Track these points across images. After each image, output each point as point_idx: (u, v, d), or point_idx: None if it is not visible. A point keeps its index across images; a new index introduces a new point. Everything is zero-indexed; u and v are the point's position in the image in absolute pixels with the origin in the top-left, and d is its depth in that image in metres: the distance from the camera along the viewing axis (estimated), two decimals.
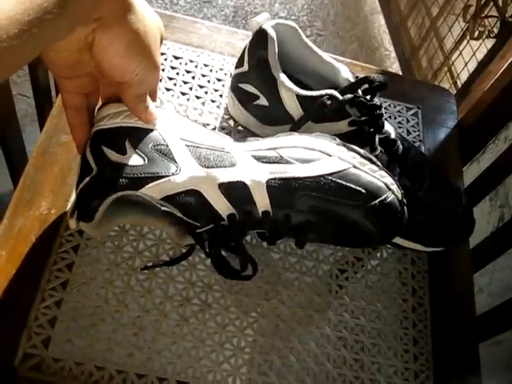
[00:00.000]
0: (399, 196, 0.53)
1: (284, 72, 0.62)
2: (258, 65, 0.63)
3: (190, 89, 0.74)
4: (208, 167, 0.51)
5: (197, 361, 0.56)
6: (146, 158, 0.50)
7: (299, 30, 0.64)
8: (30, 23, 0.32)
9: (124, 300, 0.57)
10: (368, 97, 0.61)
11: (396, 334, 0.62)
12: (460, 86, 1.61)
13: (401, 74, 1.97)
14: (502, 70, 0.79)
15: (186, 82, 0.74)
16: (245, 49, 0.65)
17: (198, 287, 0.59)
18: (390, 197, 0.52)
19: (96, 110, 0.53)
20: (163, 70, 0.74)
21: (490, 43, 1.46)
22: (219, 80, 0.76)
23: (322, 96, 0.60)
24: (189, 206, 0.51)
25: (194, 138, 0.53)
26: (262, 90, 0.64)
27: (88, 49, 0.43)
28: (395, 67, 2.07)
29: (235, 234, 0.53)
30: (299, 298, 0.61)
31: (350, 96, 0.60)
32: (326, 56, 0.65)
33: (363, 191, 0.51)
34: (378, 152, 0.62)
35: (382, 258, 0.66)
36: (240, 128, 0.71)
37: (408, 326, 0.63)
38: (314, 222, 0.53)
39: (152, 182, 0.50)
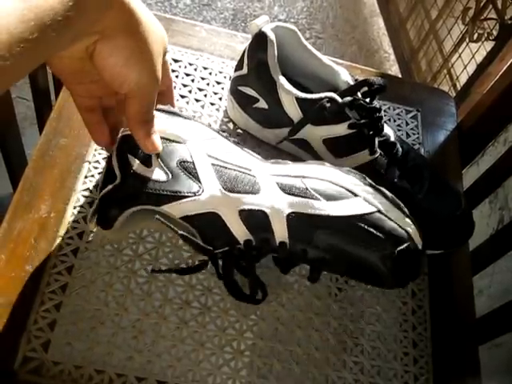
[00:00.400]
0: (419, 246, 0.52)
1: (283, 75, 0.63)
2: (258, 68, 0.63)
3: (190, 92, 0.74)
4: (231, 191, 0.51)
5: (196, 364, 0.55)
6: (170, 174, 0.50)
7: (298, 33, 0.64)
8: (34, 41, 0.32)
9: (124, 303, 0.57)
10: (367, 99, 0.61)
11: (395, 337, 0.62)
12: (459, 88, 1.61)
13: (400, 76, 1.97)
14: (501, 73, 0.79)
15: (185, 85, 0.74)
16: (244, 52, 0.65)
17: (198, 290, 0.59)
18: (411, 247, 0.52)
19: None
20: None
21: (489, 46, 1.46)
22: (218, 83, 0.76)
23: (321, 99, 0.61)
24: (206, 227, 0.51)
25: (221, 155, 0.53)
26: (261, 92, 0.64)
27: (89, 58, 0.43)
28: (394, 70, 2.08)
29: (249, 260, 0.53)
30: (299, 301, 0.61)
31: (349, 99, 0.60)
32: (326, 59, 0.65)
33: (384, 238, 0.51)
34: (377, 155, 0.63)
35: None
36: (239, 131, 0.71)
37: (407, 328, 0.62)
38: (329, 259, 0.53)
39: (174, 201, 0.50)
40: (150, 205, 0.50)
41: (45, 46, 0.34)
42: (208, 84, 0.75)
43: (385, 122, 0.65)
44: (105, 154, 0.65)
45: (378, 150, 0.63)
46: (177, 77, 0.75)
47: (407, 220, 0.52)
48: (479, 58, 1.51)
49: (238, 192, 0.51)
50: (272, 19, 0.61)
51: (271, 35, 0.61)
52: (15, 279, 0.55)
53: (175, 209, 0.50)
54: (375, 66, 2.05)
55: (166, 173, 0.50)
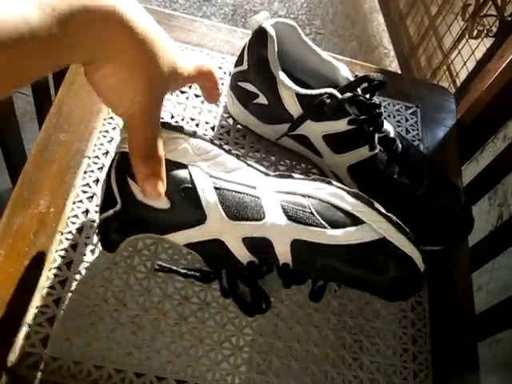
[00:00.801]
0: (422, 269, 0.53)
1: (283, 71, 0.62)
2: (258, 63, 0.63)
3: (189, 87, 0.74)
4: (235, 219, 0.50)
5: (196, 360, 0.55)
6: (171, 203, 0.49)
7: (298, 29, 0.64)
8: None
9: (123, 299, 0.57)
10: (367, 95, 0.61)
11: (395, 333, 0.62)
12: (459, 84, 1.61)
13: (400, 72, 1.97)
14: (500, 69, 0.79)
15: None
16: (244, 47, 0.65)
17: (197, 286, 0.59)
18: (414, 271, 0.52)
19: (121, 127, 0.51)
20: None
21: (488, 42, 1.46)
22: (219, 78, 0.76)
23: (321, 95, 0.60)
24: (210, 252, 0.52)
25: (224, 174, 0.52)
26: (261, 88, 0.64)
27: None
28: (394, 66, 2.07)
29: (253, 276, 0.54)
30: (298, 297, 0.61)
31: (349, 95, 0.60)
32: (325, 55, 0.65)
33: (389, 263, 0.51)
34: (377, 151, 0.62)
35: None
36: (239, 126, 0.71)
37: (407, 325, 0.62)
38: (332, 279, 0.55)
39: (178, 231, 0.50)
40: (153, 233, 0.51)
41: (21, 62, 0.34)
42: None
43: (384, 118, 0.65)
44: (104, 149, 0.64)
45: (378, 146, 0.63)
46: None
47: (411, 245, 0.52)
48: (479, 54, 1.51)
49: (242, 219, 0.50)
50: (272, 15, 0.61)
51: (271, 31, 0.60)
52: (14, 274, 0.55)
53: (179, 237, 0.51)
54: (375, 62, 2.04)
55: (167, 200, 0.49)
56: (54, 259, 0.57)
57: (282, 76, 0.62)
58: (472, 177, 0.83)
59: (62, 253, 0.58)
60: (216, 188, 0.51)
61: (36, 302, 0.54)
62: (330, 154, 0.64)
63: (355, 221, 0.51)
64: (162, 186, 0.46)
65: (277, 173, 0.55)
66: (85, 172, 0.63)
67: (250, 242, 0.51)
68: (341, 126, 0.62)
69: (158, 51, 0.42)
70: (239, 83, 0.67)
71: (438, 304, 0.65)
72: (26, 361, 0.52)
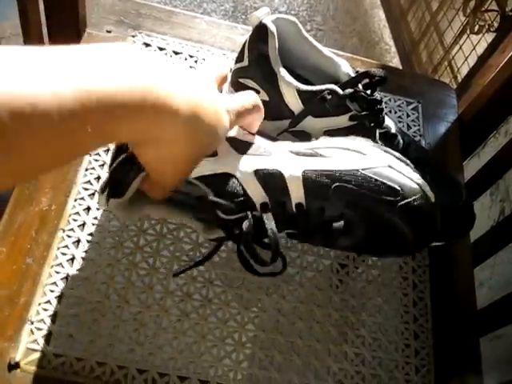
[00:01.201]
0: (432, 199, 0.53)
1: (284, 67, 0.62)
2: (258, 60, 0.63)
3: None
4: (245, 154, 0.51)
5: (198, 356, 0.56)
6: None
7: (299, 25, 0.64)
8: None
9: (125, 295, 0.57)
10: (368, 91, 0.61)
11: (397, 329, 0.62)
12: (460, 80, 1.60)
13: (401, 68, 1.97)
14: (502, 64, 0.79)
15: None
16: (245, 43, 0.65)
17: (199, 282, 0.59)
18: (424, 197, 0.52)
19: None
20: None
21: (490, 37, 1.46)
22: None
23: (322, 91, 0.60)
24: (222, 188, 0.50)
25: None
26: (262, 84, 0.64)
27: None
28: (395, 62, 2.07)
29: (267, 224, 0.52)
30: (300, 292, 0.61)
31: (350, 91, 0.60)
32: (326, 50, 0.65)
33: (398, 188, 0.51)
34: (377, 145, 0.62)
35: None
36: None
37: (409, 320, 0.63)
38: (347, 219, 0.53)
39: None
40: None
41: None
42: None
43: (385, 113, 0.65)
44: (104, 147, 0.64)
45: (379, 142, 0.63)
46: None
47: (416, 174, 0.53)
48: (480, 49, 1.51)
49: (252, 154, 0.51)
50: (272, 11, 0.61)
51: (272, 27, 0.60)
52: (16, 272, 0.55)
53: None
54: (376, 58, 2.04)
55: None
56: (55, 256, 0.57)
57: (283, 72, 0.62)
58: (474, 172, 0.83)
59: (64, 250, 0.58)
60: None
61: (38, 298, 0.55)
62: None
63: (358, 154, 0.53)
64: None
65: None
66: (86, 169, 0.63)
67: (264, 177, 0.50)
68: (342, 122, 0.62)
69: (206, 119, 0.42)
70: (240, 79, 0.66)
71: (440, 299, 0.65)
72: (29, 357, 0.52)
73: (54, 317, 0.54)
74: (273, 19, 0.61)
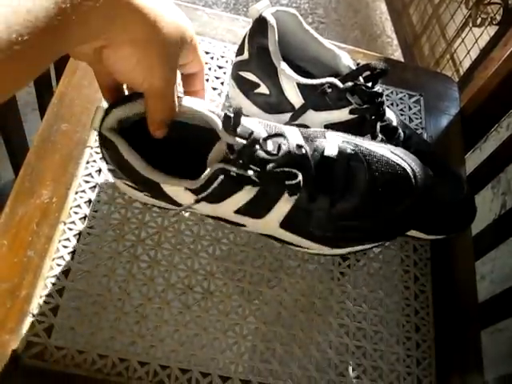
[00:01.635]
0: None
1: (285, 59, 0.62)
2: (258, 53, 0.62)
3: None
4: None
5: (199, 348, 0.56)
6: None
7: (299, 17, 0.64)
8: (24, 44, 0.32)
9: (126, 288, 0.57)
10: (369, 84, 0.61)
11: (398, 322, 0.62)
12: (462, 73, 1.60)
13: (403, 61, 1.96)
14: (504, 57, 0.78)
15: None
16: (245, 36, 0.64)
17: (201, 275, 0.59)
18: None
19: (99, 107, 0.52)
20: None
21: (492, 30, 1.45)
22: (220, 67, 0.76)
23: (322, 84, 0.60)
24: None
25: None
26: (262, 78, 0.64)
27: (98, 57, 0.44)
28: (397, 55, 2.07)
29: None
30: (301, 285, 0.61)
31: (350, 84, 0.60)
32: (327, 43, 0.65)
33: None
34: (379, 140, 0.62)
35: (383, 245, 0.66)
36: None
37: (410, 313, 0.63)
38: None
39: None
40: None
41: (38, 51, 0.34)
42: (210, 69, 0.75)
43: (387, 106, 0.64)
44: None
45: (380, 136, 0.62)
46: None
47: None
48: (482, 42, 1.50)
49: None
50: (274, 4, 0.61)
51: (272, 20, 0.60)
52: (17, 264, 0.55)
53: None
54: (378, 50, 2.03)
55: None
56: (57, 249, 0.57)
57: (283, 66, 0.61)
58: (475, 165, 0.83)
59: (65, 243, 0.58)
60: None
61: (40, 291, 0.55)
62: None
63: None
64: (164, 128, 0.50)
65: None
66: (87, 162, 0.63)
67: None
68: (342, 115, 0.62)
69: (168, 24, 0.44)
70: (240, 72, 0.66)
71: (442, 292, 0.65)
72: (31, 350, 0.52)
73: (55, 310, 0.54)
74: (273, 12, 0.61)
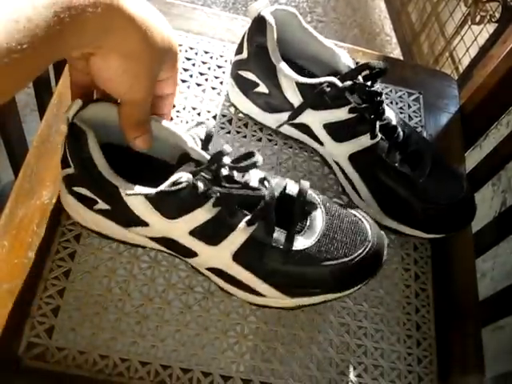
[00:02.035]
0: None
1: (284, 58, 0.62)
2: (257, 52, 0.62)
3: (191, 76, 0.73)
4: None
5: (200, 348, 0.56)
6: None
7: (299, 16, 0.64)
8: (22, 52, 0.32)
9: (127, 288, 0.57)
10: (368, 83, 0.61)
11: (399, 320, 0.62)
12: (462, 71, 1.60)
13: (402, 59, 1.96)
14: (503, 55, 0.78)
15: (186, 69, 0.74)
16: (244, 36, 0.64)
17: (201, 275, 0.59)
18: None
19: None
20: None
21: (491, 28, 1.45)
22: (219, 67, 0.76)
23: (321, 83, 0.60)
24: None
25: None
26: (261, 77, 0.64)
27: (85, 60, 0.44)
28: (396, 53, 2.06)
29: None
30: None
31: (349, 83, 0.60)
32: (326, 41, 0.65)
33: None
34: (378, 139, 0.62)
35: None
36: (241, 115, 0.71)
37: (411, 311, 0.63)
38: None
39: None
40: None
41: (35, 58, 0.34)
42: (209, 68, 0.75)
43: (387, 105, 0.64)
44: None
45: (379, 134, 0.62)
46: None
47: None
48: (481, 40, 1.50)
49: None
50: (273, 3, 0.61)
51: (271, 19, 0.60)
52: (18, 266, 0.55)
53: None
54: (377, 49, 2.03)
55: None
56: (57, 250, 0.57)
57: (282, 65, 0.61)
58: (475, 163, 0.82)
59: (66, 244, 0.58)
60: None
61: (40, 292, 0.55)
62: (330, 142, 0.64)
63: None
64: (149, 138, 0.50)
65: None
66: None
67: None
68: (341, 114, 0.62)
69: (156, 36, 0.44)
70: (239, 72, 0.66)
71: (442, 290, 0.65)
72: (32, 351, 0.52)
73: (56, 310, 0.54)
74: (271, 11, 0.61)
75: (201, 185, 0.48)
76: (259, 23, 0.61)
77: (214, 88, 0.73)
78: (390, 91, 0.80)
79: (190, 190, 0.47)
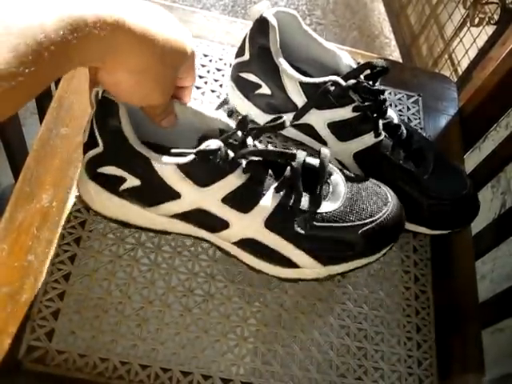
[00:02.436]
0: None
1: (285, 60, 0.62)
2: (260, 53, 0.62)
3: None
4: None
5: (200, 351, 0.56)
6: None
7: (299, 18, 0.64)
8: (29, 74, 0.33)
9: (127, 291, 0.57)
10: (370, 82, 0.61)
11: (399, 322, 0.62)
12: (461, 73, 1.60)
13: (401, 61, 1.96)
14: (502, 57, 0.79)
15: None
16: (245, 37, 0.65)
17: (201, 278, 0.59)
18: None
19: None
20: None
21: (490, 30, 1.45)
22: (219, 70, 0.76)
23: (325, 83, 0.60)
24: None
25: None
26: (263, 78, 0.64)
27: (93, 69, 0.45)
28: (395, 55, 2.07)
29: None
30: (302, 287, 0.61)
31: (353, 81, 0.60)
32: (327, 43, 0.65)
33: None
34: (382, 137, 0.62)
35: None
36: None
37: (411, 313, 0.63)
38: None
39: None
40: None
41: (39, 78, 0.35)
42: (208, 71, 0.75)
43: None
44: None
45: (383, 133, 0.63)
46: None
47: None
48: (480, 42, 1.50)
49: None
50: (271, 6, 0.61)
51: (273, 20, 0.60)
52: (18, 269, 0.55)
53: None
54: (376, 51, 2.04)
55: None
56: (57, 253, 0.57)
57: (285, 65, 0.62)
58: (474, 165, 0.83)
59: (65, 247, 0.58)
60: None
61: (40, 295, 0.55)
62: (335, 141, 0.64)
63: None
64: (173, 119, 0.52)
65: None
66: None
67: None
68: (345, 113, 0.62)
69: (170, 46, 0.44)
70: (241, 74, 0.66)
71: (442, 293, 0.65)
72: (32, 354, 0.52)
73: (56, 313, 0.54)
74: (273, 12, 0.61)
75: (230, 152, 0.49)
76: (261, 24, 0.61)
77: (213, 91, 0.73)
78: (390, 94, 0.80)
79: (222, 156, 0.49)
